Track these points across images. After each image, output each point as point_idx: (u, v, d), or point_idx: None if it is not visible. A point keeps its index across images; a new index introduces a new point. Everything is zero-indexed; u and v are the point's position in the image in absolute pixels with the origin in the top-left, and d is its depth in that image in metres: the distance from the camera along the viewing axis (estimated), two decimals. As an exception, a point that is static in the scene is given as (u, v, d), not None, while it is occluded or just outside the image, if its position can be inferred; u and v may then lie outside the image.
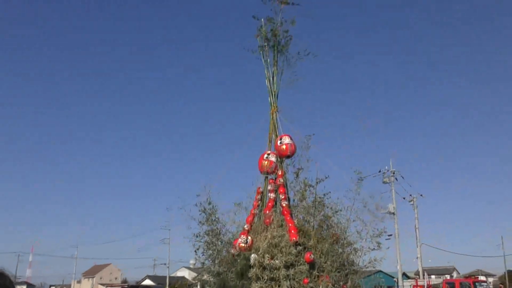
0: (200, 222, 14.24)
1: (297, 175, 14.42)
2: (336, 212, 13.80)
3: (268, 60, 15.62)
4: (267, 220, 13.37)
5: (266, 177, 14.74)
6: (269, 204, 14.08)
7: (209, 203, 14.32)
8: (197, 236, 14.24)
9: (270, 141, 15.26)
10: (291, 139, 14.79)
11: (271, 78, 15.66)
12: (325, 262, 12.48)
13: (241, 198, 14.81)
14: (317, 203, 13.85)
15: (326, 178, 14.01)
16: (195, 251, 14.13)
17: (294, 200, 14.41)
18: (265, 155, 14.60)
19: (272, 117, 15.35)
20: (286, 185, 14.49)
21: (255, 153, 14.94)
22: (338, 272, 12.54)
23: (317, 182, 14.06)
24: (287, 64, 15.34)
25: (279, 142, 14.66)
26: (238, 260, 12.76)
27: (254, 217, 14.09)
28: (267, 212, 13.71)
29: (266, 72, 15.60)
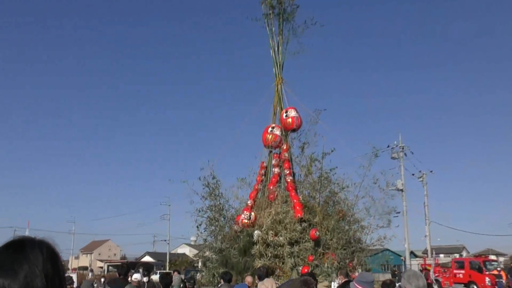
0: (203, 196, 14.30)
1: (303, 150, 14.46)
2: (343, 188, 13.85)
3: (273, 29, 15.52)
4: (271, 196, 13.45)
5: (270, 152, 14.74)
6: (273, 179, 14.15)
7: (213, 177, 14.34)
8: (199, 211, 14.32)
9: (275, 114, 15.24)
10: (297, 112, 14.73)
11: (276, 48, 15.51)
12: (331, 240, 12.57)
13: (244, 173, 14.92)
14: (323, 178, 13.88)
15: (332, 151, 14.01)
16: (197, 227, 14.27)
17: (299, 176, 14.49)
18: (270, 129, 14.57)
19: (277, 89, 15.23)
20: (291, 159, 14.53)
21: (259, 127, 14.98)
22: (344, 249, 12.62)
23: (323, 156, 14.07)
24: (293, 34, 15.25)
25: (284, 115, 14.62)
26: (241, 237, 12.83)
27: (257, 193, 14.17)
28: (271, 187, 13.80)
29: (270, 41, 15.50)
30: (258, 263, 11.75)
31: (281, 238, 12.06)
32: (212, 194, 14.25)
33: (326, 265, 11.92)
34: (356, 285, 4.29)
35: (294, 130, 14.52)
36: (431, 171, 36.68)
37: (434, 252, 30.16)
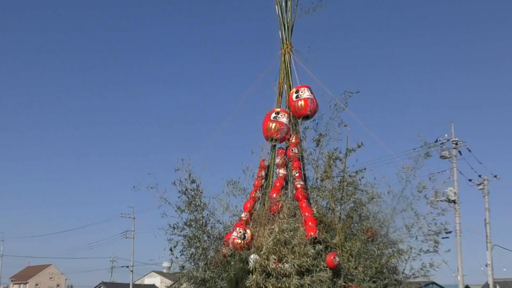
0: (178, 208, 14.31)
1: (319, 144, 14.34)
2: (374, 198, 13.78)
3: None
4: (274, 207, 13.45)
5: (274, 146, 14.71)
6: (277, 184, 14.14)
7: (192, 181, 14.39)
8: (174, 228, 14.34)
9: (281, 94, 15.20)
10: (311, 92, 14.72)
11: (283, 3, 15.59)
12: (356, 268, 12.56)
13: (237, 175, 14.88)
14: (346, 184, 13.86)
15: (359, 147, 13.99)
16: (171, 249, 14.27)
17: (313, 180, 14.49)
18: (273, 114, 14.55)
19: (284, 60, 15.22)
20: (303, 157, 14.51)
21: (258, 111, 15.10)
22: (374, 282, 12.59)
23: (347, 154, 13.99)
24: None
25: (294, 95, 14.65)
26: (232, 263, 12.84)
27: (255, 203, 14.21)
28: (274, 195, 13.78)
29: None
30: (255, 300, 11.68)
31: (286, 266, 12.05)
32: (192, 204, 14.28)
33: (348, 303, 11.85)
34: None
35: (307, 117, 14.55)
36: (495, 176, 36.51)
37: (497, 288, 30.19)
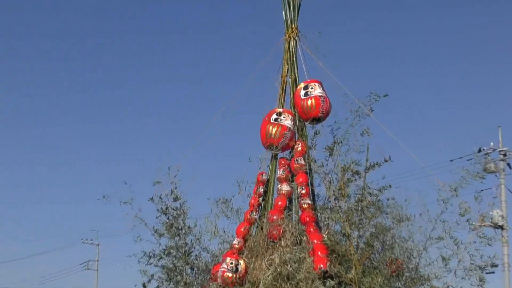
0: (156, 232, 14.35)
1: (332, 153, 14.17)
2: (401, 222, 13.65)
3: None
4: (275, 232, 13.41)
5: (275, 156, 14.73)
6: (279, 203, 14.10)
7: (176, 199, 14.42)
8: (150, 257, 14.39)
9: (284, 91, 15.27)
10: (323, 89, 14.71)
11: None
12: (377, 311, 12.36)
13: (229, 192, 14.83)
14: (366, 204, 13.69)
15: (386, 161, 13.88)
16: (144, 286, 14.32)
17: (325, 198, 14.43)
18: (274, 116, 14.55)
19: (289, 47, 15.32)
20: (311, 170, 14.48)
21: (255, 111, 15.00)
22: (400, 329, 12.33)
23: (367, 168, 13.87)
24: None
25: (302, 92, 14.63)
26: (221, 303, 12.60)
27: (250, 227, 14.20)
28: (275, 217, 13.71)
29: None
30: None
31: (289, 307, 11.76)
32: (173, 227, 14.28)
33: None
34: None
35: (318, 120, 14.51)
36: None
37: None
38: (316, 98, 14.42)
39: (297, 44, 15.37)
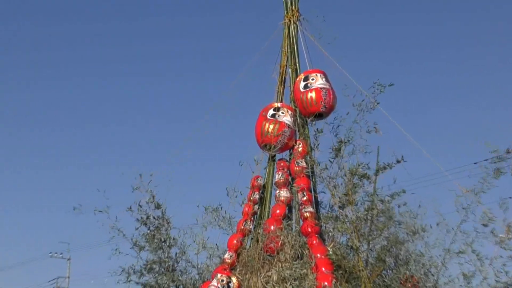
0: (136, 244, 14.23)
1: (338, 155, 13.87)
2: (417, 233, 13.52)
3: None
4: (272, 245, 13.33)
5: (272, 157, 14.72)
6: (277, 211, 14.01)
7: (157, 206, 14.31)
8: (129, 274, 14.27)
9: (283, 83, 15.28)
10: (327, 79, 14.65)
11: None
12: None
13: (219, 198, 14.74)
14: (376, 212, 13.46)
15: (399, 162, 13.55)
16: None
17: (329, 206, 14.32)
18: (271, 112, 14.54)
19: (289, 32, 15.39)
20: (314, 174, 14.35)
21: (249, 107, 14.87)
22: None
23: (378, 171, 13.58)
24: None
25: (302, 84, 14.56)
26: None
27: (244, 238, 14.10)
28: (272, 227, 13.64)
29: None
30: None
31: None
32: (155, 239, 14.20)
33: None
34: None
35: (321, 116, 14.47)
36: None
37: None
38: (317, 90, 14.34)
39: (298, 29, 15.40)
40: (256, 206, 14.47)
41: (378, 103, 13.91)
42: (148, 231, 14.27)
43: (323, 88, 14.37)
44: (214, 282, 13.15)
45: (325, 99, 14.32)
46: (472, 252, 13.22)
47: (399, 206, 13.69)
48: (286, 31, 15.39)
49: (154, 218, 14.33)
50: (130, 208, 14.25)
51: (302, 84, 14.52)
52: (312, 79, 14.49)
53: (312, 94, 14.33)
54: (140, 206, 14.23)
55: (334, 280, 12.47)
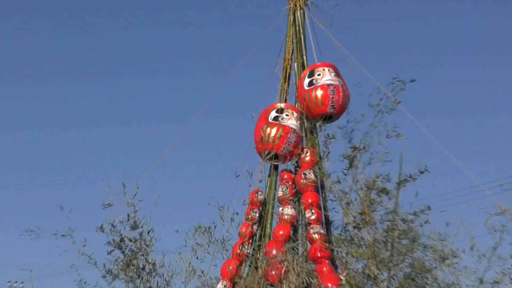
0: (109, 272, 12.93)
1: (352, 165, 12.77)
2: (446, 259, 12.33)
3: None
4: (274, 273, 12.33)
5: (275, 167, 13.88)
6: (280, 232, 13.03)
7: (134, 226, 13.16)
8: None
9: (287, 79, 14.46)
10: (337, 75, 13.80)
11: None
12: None
13: (211, 217, 13.60)
14: (398, 234, 12.34)
15: (422, 173, 12.43)
16: None
17: (341, 226, 13.09)
18: (272, 114, 13.60)
19: (294, 19, 14.63)
20: (323, 187, 13.45)
21: (247, 107, 14.16)
22: None
23: (399, 184, 12.48)
24: None
25: (307, 81, 13.67)
26: None
27: (241, 265, 13.23)
28: (274, 252, 12.65)
29: None
30: None
31: None
32: (132, 267, 13.11)
33: None
34: None
35: (329, 118, 13.59)
36: None
37: None
38: (324, 88, 13.46)
39: (306, 15, 14.69)
40: (255, 226, 13.67)
41: (399, 102, 13.04)
42: (123, 257, 13.17)
43: (331, 84, 13.57)
44: (204, 317, 12.75)
45: (332, 97, 13.51)
46: (510, 282, 12.55)
47: (421, 225, 12.60)
48: (291, 17, 14.69)
49: (130, 240, 13.27)
50: (102, 228, 13.15)
51: (306, 80, 13.77)
52: (319, 75, 13.69)
53: (317, 93, 13.54)
54: (113, 226, 13.18)
55: (348, 314, 12.20)
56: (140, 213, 13.45)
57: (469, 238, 12.58)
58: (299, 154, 13.53)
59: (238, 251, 13.21)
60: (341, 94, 13.48)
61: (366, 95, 13.13)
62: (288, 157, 13.61)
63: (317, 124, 13.70)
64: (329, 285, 12.12)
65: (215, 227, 13.63)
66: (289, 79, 14.55)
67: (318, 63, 14.00)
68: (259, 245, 13.35)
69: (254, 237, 13.61)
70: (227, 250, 13.49)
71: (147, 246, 13.26)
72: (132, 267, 13.16)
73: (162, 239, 13.80)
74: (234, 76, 15.32)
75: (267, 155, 13.55)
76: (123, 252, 13.15)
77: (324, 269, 12.42)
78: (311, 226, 12.90)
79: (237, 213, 13.69)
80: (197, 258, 13.60)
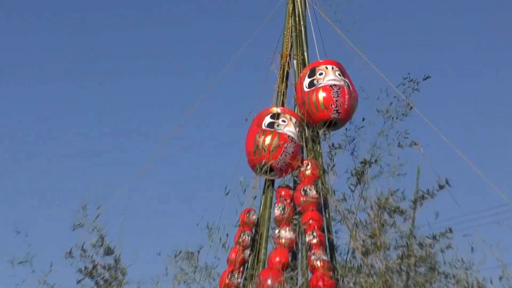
0: None
1: (360, 180, 11.80)
2: None
3: None
4: None
5: (271, 182, 13.07)
6: (276, 258, 12.26)
7: (108, 252, 12.19)
8: None
9: (284, 79, 13.63)
10: (343, 74, 13.15)
11: None
12: None
13: (196, 239, 12.63)
14: (415, 261, 11.31)
15: (441, 188, 11.40)
16: None
17: (349, 251, 12.15)
18: (267, 119, 12.83)
19: (293, 9, 13.90)
20: (327, 206, 12.62)
21: (238, 112, 13.52)
22: None
23: (415, 202, 11.46)
24: None
25: (307, 81, 12.92)
26: None
27: None
28: (269, 282, 11.97)
29: None
30: None
31: None
32: None
33: None
34: None
35: (334, 125, 12.82)
36: None
37: None
38: (326, 89, 12.68)
39: (307, 5, 13.87)
40: (247, 252, 12.96)
41: (411, 107, 11.96)
42: (95, 286, 12.14)
43: (335, 85, 12.71)
44: None
45: (337, 101, 12.65)
46: None
47: (442, 251, 11.45)
48: (290, 7, 13.99)
49: (103, 268, 12.17)
50: (70, 253, 12.04)
51: (306, 80, 12.96)
52: (320, 74, 12.87)
53: (318, 95, 12.61)
54: (84, 251, 12.08)
55: None
56: (110, 236, 12.47)
57: (498, 265, 11.36)
58: (299, 167, 12.68)
59: (227, 281, 12.46)
60: (346, 97, 12.60)
61: (373, 98, 12.05)
62: (285, 170, 12.60)
63: (320, 132, 12.71)
64: (335, 325, 11.96)
65: (199, 252, 12.43)
66: (287, 79, 13.79)
67: (321, 60, 13.24)
68: (252, 274, 12.50)
69: (246, 264, 13.01)
70: (214, 279, 12.35)
71: (123, 274, 12.17)
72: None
73: (139, 266, 12.82)
74: (222, 78, 14.47)
75: (261, 168, 12.49)
76: (95, 281, 12.13)
77: (328, 301, 11.97)
78: (313, 251, 12.35)
79: (227, 234, 12.66)
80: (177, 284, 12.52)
